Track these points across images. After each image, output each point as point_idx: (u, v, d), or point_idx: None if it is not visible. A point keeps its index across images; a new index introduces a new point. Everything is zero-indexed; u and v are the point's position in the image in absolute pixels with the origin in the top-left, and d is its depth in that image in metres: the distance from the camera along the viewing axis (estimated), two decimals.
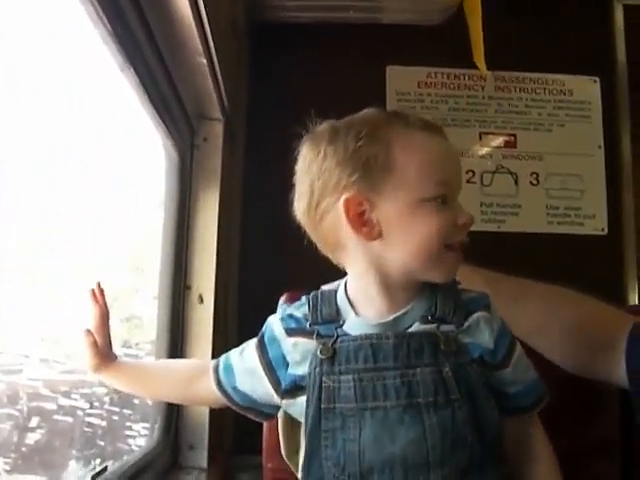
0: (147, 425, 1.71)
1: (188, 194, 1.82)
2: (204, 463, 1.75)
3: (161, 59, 1.44)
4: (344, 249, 0.99)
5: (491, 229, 2.35)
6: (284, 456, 1.14)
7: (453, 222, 0.95)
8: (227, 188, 1.95)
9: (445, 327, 0.97)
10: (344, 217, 0.94)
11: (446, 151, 0.98)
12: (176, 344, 1.73)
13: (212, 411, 1.76)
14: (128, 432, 1.70)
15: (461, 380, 0.94)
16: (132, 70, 1.30)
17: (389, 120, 0.98)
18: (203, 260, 1.81)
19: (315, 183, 0.97)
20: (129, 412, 1.70)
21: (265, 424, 1.37)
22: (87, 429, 1.51)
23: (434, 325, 0.97)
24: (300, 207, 1.00)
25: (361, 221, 0.94)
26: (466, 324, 0.98)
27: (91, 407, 1.50)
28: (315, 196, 0.97)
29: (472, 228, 2.23)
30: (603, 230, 2.39)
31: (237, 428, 2.06)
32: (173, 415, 1.73)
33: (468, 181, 2.36)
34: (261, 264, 2.17)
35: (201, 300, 1.79)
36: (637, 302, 2.39)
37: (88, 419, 1.50)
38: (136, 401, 1.70)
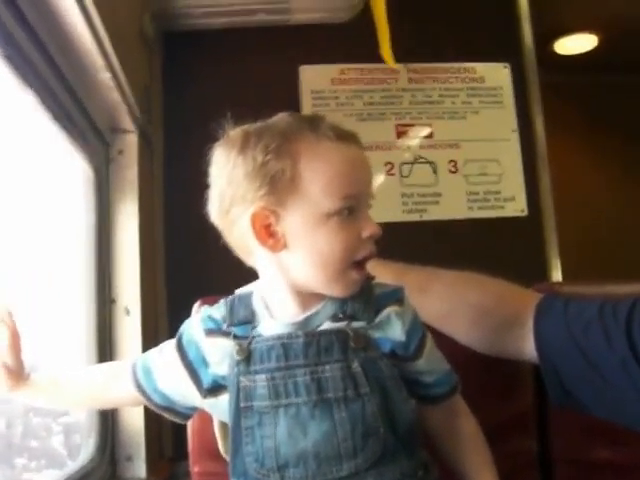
0: None
1: (107, 208, 1.82)
2: (143, 474, 1.75)
3: (61, 77, 1.44)
4: (254, 255, 1.02)
5: (413, 219, 2.36)
6: (223, 454, 1.15)
7: (358, 236, 0.97)
8: (147, 199, 1.96)
9: (356, 324, 1.00)
10: (251, 229, 0.95)
11: (354, 162, 0.98)
12: (105, 357, 1.73)
13: (148, 420, 1.77)
14: None
15: (370, 374, 0.97)
16: (31, 91, 1.30)
17: (299, 131, 0.97)
18: (127, 273, 1.82)
19: (225, 191, 0.98)
20: None
21: (189, 429, 1.39)
22: None
23: (345, 322, 0.99)
24: (213, 211, 1.02)
25: (268, 233, 0.96)
26: (377, 319, 1.00)
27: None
28: (225, 204, 0.99)
29: (394, 220, 2.31)
30: (523, 211, 2.43)
31: (178, 435, 2.06)
32: (108, 427, 1.73)
33: (387, 173, 2.39)
34: (189, 272, 2.17)
35: (127, 312, 1.79)
36: (560, 279, 2.45)
37: None
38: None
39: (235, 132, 1.00)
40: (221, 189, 0.99)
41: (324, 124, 0.98)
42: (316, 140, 0.96)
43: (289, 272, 0.98)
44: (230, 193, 0.97)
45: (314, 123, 0.99)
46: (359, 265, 0.98)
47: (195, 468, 1.41)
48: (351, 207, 0.96)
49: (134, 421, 1.76)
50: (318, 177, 0.94)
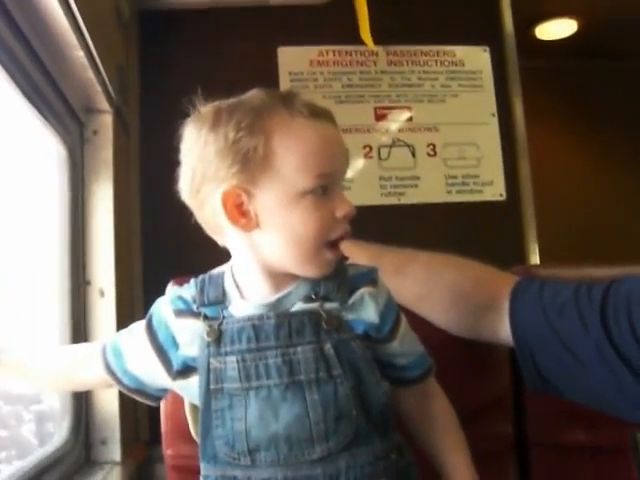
0: None
1: (81, 189, 1.80)
2: (117, 457, 1.74)
3: (34, 55, 1.41)
4: (225, 235, 1.00)
5: (391, 202, 2.36)
6: (195, 437, 1.14)
7: (331, 215, 0.95)
8: (122, 180, 1.94)
9: (329, 305, 0.99)
10: (222, 208, 0.94)
11: (328, 140, 0.97)
12: (79, 340, 1.71)
13: (123, 403, 1.76)
14: None
15: (343, 356, 0.96)
16: (1, 68, 1.28)
17: (273, 107, 0.95)
18: (101, 254, 1.80)
19: (196, 168, 0.96)
20: None
21: (162, 412, 1.37)
22: None
23: (317, 304, 0.98)
24: (183, 189, 1.00)
25: (239, 212, 0.94)
26: (350, 300, 1.00)
27: None
28: (196, 182, 0.97)
29: (372, 203, 2.30)
30: (502, 196, 2.44)
31: (153, 418, 2.05)
32: (82, 410, 1.71)
33: (365, 156, 2.39)
34: (165, 254, 2.16)
35: (102, 294, 1.77)
36: (538, 262, 2.46)
37: None
38: None
39: (206, 109, 0.98)
40: (192, 167, 0.97)
41: (298, 101, 0.97)
42: (290, 117, 0.95)
43: (261, 252, 0.97)
44: (201, 171, 0.96)
45: (288, 100, 0.97)
46: (333, 245, 0.97)
47: (168, 451, 1.39)
48: (325, 186, 0.94)
49: (109, 404, 1.75)
50: (292, 154, 0.93)
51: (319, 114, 0.97)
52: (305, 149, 0.93)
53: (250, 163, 0.92)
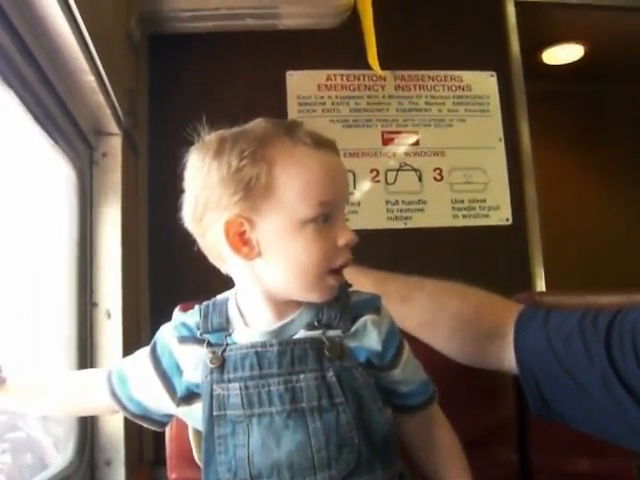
0: None
1: (89, 211, 1.81)
2: (122, 478, 1.74)
3: (45, 79, 1.42)
4: (227, 263, 1.01)
5: (398, 226, 2.37)
6: (198, 462, 1.14)
7: (333, 243, 0.96)
8: (130, 202, 1.95)
9: (331, 332, 0.99)
10: (224, 237, 0.94)
11: (330, 169, 0.97)
12: (85, 362, 1.72)
13: (128, 424, 1.75)
14: None
15: (345, 384, 0.96)
16: (12, 91, 1.29)
17: (276, 136, 0.96)
18: (108, 276, 1.80)
19: (199, 196, 0.97)
20: None
21: (167, 435, 1.39)
22: None
23: (320, 331, 0.99)
24: (186, 217, 1.01)
25: (242, 240, 0.94)
26: (353, 328, 1.00)
27: None
28: (198, 209, 0.97)
29: (378, 226, 2.31)
30: (508, 220, 2.45)
31: (158, 440, 2.05)
32: (87, 431, 1.71)
33: (372, 180, 2.40)
34: (172, 276, 2.16)
35: (109, 316, 1.78)
36: (544, 288, 2.46)
37: None
38: None
39: (211, 137, 0.99)
40: (195, 194, 0.98)
41: (301, 130, 0.97)
42: (292, 145, 0.95)
43: (263, 280, 0.97)
44: (204, 199, 0.96)
45: (291, 129, 0.98)
46: (336, 272, 0.97)
47: (172, 475, 1.40)
48: (327, 214, 0.95)
49: (114, 424, 1.75)
50: (294, 183, 0.93)
51: (322, 144, 0.97)
52: (307, 178, 0.94)
53: (252, 192, 0.93)
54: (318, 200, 0.93)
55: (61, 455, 1.63)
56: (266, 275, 0.97)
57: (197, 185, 0.97)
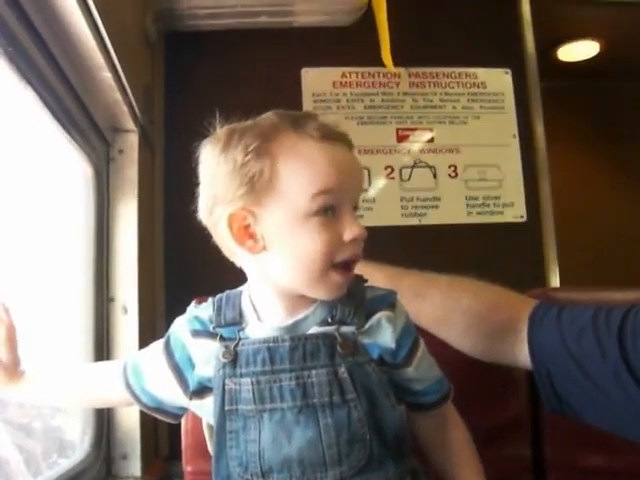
0: None
1: (106, 207, 1.83)
2: (138, 472, 1.76)
3: (62, 76, 1.44)
4: (237, 256, 1.00)
5: (412, 223, 2.37)
6: (212, 453, 1.15)
7: (339, 238, 0.94)
8: (147, 198, 1.97)
9: (345, 328, 0.98)
10: (228, 230, 0.94)
11: (334, 160, 0.94)
12: (102, 357, 1.74)
13: (144, 419, 1.78)
14: None
15: (358, 380, 0.96)
16: (30, 88, 1.31)
17: (282, 130, 0.95)
18: (125, 271, 1.82)
19: (209, 190, 0.97)
20: None
21: (183, 429, 1.39)
22: None
23: (334, 327, 0.98)
24: (200, 210, 1.01)
25: (246, 234, 0.94)
26: (367, 325, 0.99)
27: None
28: (209, 203, 0.97)
29: (393, 223, 2.31)
30: (522, 217, 2.44)
31: (173, 434, 2.07)
32: (103, 425, 1.73)
33: (387, 177, 2.40)
34: (188, 271, 2.17)
35: (125, 311, 1.80)
36: (559, 284, 2.45)
37: None
38: None
39: (221, 130, 0.98)
40: (206, 188, 0.98)
41: (311, 123, 0.95)
42: (297, 139, 0.94)
43: (270, 274, 0.97)
44: (213, 192, 0.96)
45: (299, 122, 0.96)
46: (343, 267, 0.96)
47: (188, 467, 1.41)
48: (332, 207, 0.93)
49: (130, 419, 1.77)
50: (295, 176, 0.92)
51: (331, 137, 0.96)
52: (308, 169, 0.92)
53: (256, 185, 0.92)
54: (317, 189, 0.91)
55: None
56: (272, 269, 0.96)
57: (208, 179, 0.98)
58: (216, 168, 0.96)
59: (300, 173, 0.92)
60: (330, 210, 0.93)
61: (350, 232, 0.94)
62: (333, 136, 0.96)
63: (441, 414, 1.09)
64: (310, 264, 0.93)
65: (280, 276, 0.96)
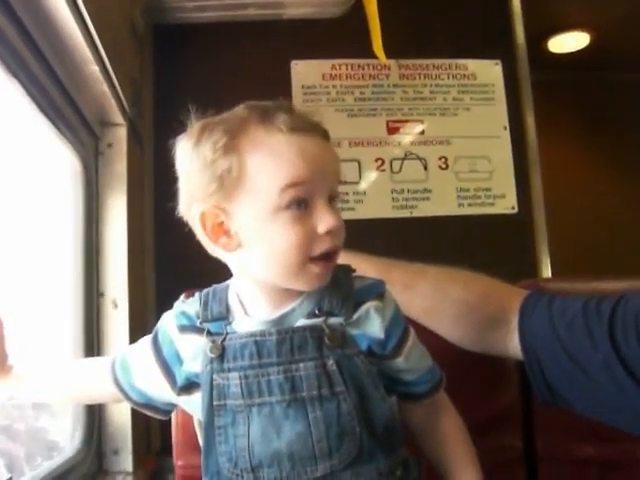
0: None
1: (95, 201, 1.81)
2: (129, 467, 1.75)
3: (49, 69, 1.43)
4: (218, 252, 0.99)
5: (403, 215, 2.37)
6: None
7: (312, 230, 0.92)
8: (136, 192, 1.96)
9: (333, 320, 0.97)
10: (201, 228, 0.94)
11: (302, 151, 0.92)
12: (92, 352, 1.73)
13: (135, 414, 1.76)
14: None
15: (346, 372, 0.95)
16: (17, 82, 1.29)
17: (250, 124, 0.93)
18: (115, 266, 1.81)
19: (186, 187, 0.97)
20: None
21: (173, 423, 1.39)
22: None
23: (321, 319, 0.97)
24: (180, 207, 0.99)
25: (221, 231, 0.93)
26: (355, 315, 0.98)
27: None
28: (187, 200, 0.97)
29: (384, 215, 2.31)
30: (514, 208, 2.44)
31: (165, 429, 2.06)
32: (95, 420, 1.73)
33: (378, 169, 2.40)
34: (178, 266, 2.15)
35: (115, 306, 1.79)
36: (550, 275, 2.46)
37: None
38: None
39: (195, 125, 0.96)
40: (183, 184, 0.97)
41: (281, 116, 0.93)
42: (265, 134, 0.92)
43: (249, 270, 0.96)
44: (189, 189, 0.96)
45: (269, 115, 0.93)
46: (322, 259, 0.94)
47: (179, 462, 1.41)
48: (303, 200, 0.91)
49: (121, 414, 1.76)
50: (262, 171, 0.90)
51: (301, 128, 0.93)
52: (275, 164, 0.90)
53: (225, 182, 0.91)
54: (286, 183, 0.90)
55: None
56: (250, 264, 0.95)
57: (184, 175, 0.97)
58: (190, 165, 0.95)
59: (267, 167, 0.91)
60: (302, 203, 0.91)
61: (324, 224, 0.92)
62: (304, 127, 0.94)
63: (433, 403, 1.08)
64: (285, 259, 0.92)
65: (258, 272, 0.95)
